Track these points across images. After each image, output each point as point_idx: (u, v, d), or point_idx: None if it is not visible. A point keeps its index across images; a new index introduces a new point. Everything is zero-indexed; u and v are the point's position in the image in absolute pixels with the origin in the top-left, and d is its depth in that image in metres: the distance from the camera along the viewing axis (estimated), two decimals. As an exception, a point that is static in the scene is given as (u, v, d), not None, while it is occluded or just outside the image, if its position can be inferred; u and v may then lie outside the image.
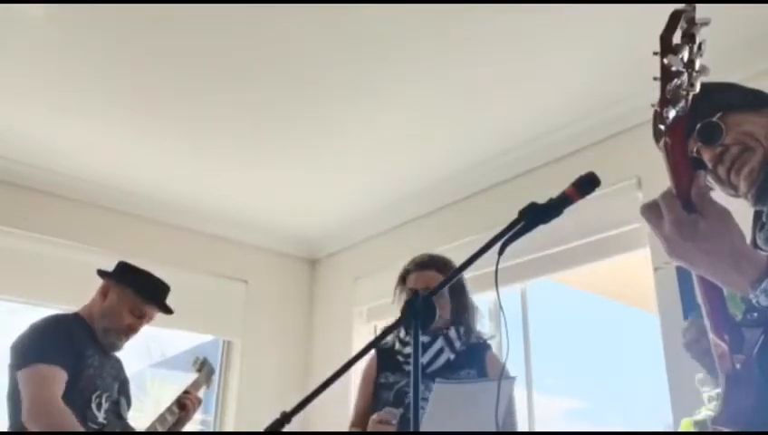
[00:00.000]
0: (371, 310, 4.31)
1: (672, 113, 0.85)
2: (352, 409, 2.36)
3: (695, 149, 1.25)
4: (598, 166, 1.26)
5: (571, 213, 1.20)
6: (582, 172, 1.20)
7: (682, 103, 0.84)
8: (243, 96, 3.13)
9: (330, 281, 4.84)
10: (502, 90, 3.04)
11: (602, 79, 2.90)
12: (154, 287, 2.51)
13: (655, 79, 0.86)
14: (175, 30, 2.69)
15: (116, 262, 2.58)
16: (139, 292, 2.45)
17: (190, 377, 2.70)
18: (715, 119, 1.22)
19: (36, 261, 3.78)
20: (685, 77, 0.83)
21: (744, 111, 1.24)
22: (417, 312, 1.22)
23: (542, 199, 1.20)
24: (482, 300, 3.67)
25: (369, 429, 2.05)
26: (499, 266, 1.17)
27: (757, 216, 1.22)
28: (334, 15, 2.57)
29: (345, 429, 2.29)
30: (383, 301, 3.40)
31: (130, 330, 2.45)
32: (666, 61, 0.83)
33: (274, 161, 3.75)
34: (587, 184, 1.19)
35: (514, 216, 1.19)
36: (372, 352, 2.27)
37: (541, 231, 1.19)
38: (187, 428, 2.60)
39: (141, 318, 2.47)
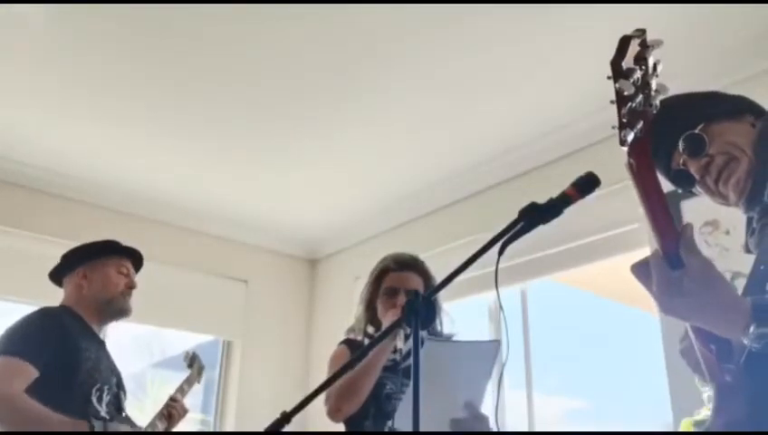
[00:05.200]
0: (371, 310, 4.30)
1: (631, 136, 0.86)
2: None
3: (681, 162, 1.25)
4: (598, 166, 1.27)
5: (571, 213, 1.20)
6: (582, 172, 1.21)
7: (640, 124, 0.85)
8: (242, 97, 3.13)
9: (330, 281, 4.84)
10: (502, 90, 3.04)
11: (602, 79, 2.88)
12: (109, 243, 2.54)
13: (612, 102, 0.87)
14: (175, 31, 2.69)
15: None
16: (108, 254, 2.50)
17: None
18: (697, 130, 1.23)
19: (36, 261, 3.76)
20: (640, 99, 0.85)
21: (725, 120, 1.25)
22: (417, 311, 1.22)
23: (542, 199, 1.20)
24: (482, 300, 3.69)
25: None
26: (499, 266, 1.17)
27: (749, 221, 1.23)
28: (334, 16, 2.57)
29: (343, 428, 2.28)
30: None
31: (129, 287, 2.50)
32: (617, 86, 0.86)
33: (274, 162, 3.75)
34: (587, 184, 1.19)
35: (514, 216, 1.19)
36: (343, 345, 2.26)
37: (541, 231, 1.20)
38: (187, 427, 2.59)
39: (128, 273, 2.51)
